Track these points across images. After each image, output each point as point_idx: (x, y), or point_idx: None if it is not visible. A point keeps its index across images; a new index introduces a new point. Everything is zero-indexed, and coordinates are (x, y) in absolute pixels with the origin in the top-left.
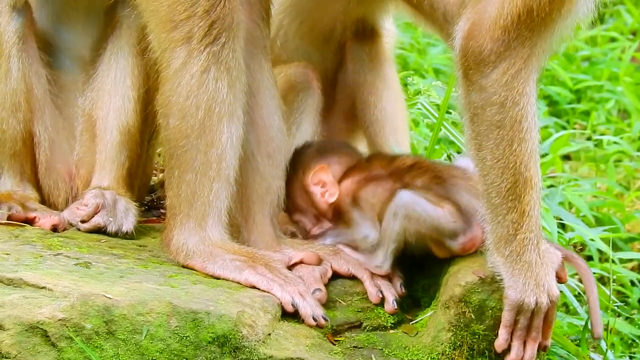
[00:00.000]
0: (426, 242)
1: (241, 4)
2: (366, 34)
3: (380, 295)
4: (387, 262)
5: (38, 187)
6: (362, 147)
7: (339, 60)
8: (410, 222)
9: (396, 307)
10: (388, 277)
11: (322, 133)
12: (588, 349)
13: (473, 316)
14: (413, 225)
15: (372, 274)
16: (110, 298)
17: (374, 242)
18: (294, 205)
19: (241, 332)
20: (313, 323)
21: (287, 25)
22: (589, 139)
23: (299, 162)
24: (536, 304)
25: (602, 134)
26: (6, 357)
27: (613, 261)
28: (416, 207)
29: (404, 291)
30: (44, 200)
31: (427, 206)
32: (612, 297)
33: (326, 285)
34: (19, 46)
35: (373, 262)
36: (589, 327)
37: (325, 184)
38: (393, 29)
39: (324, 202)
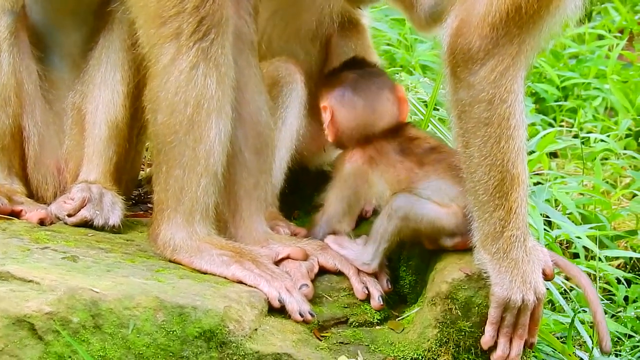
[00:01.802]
0: (421, 238)
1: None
2: (351, 29)
3: (366, 292)
4: (375, 261)
5: (26, 181)
6: None
7: (324, 57)
8: (408, 222)
9: (382, 303)
10: (374, 274)
11: (308, 128)
12: (574, 346)
13: (459, 313)
14: (411, 224)
15: (359, 270)
16: (97, 292)
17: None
18: None
19: (228, 327)
20: (299, 318)
21: (270, 31)
22: (575, 136)
23: (330, 75)
24: (523, 301)
25: (589, 132)
26: None
27: (599, 259)
28: (416, 208)
29: (390, 287)
30: (32, 195)
31: (428, 206)
32: (598, 294)
33: (313, 281)
34: (10, 41)
35: (361, 259)
36: (598, 340)
37: (325, 119)
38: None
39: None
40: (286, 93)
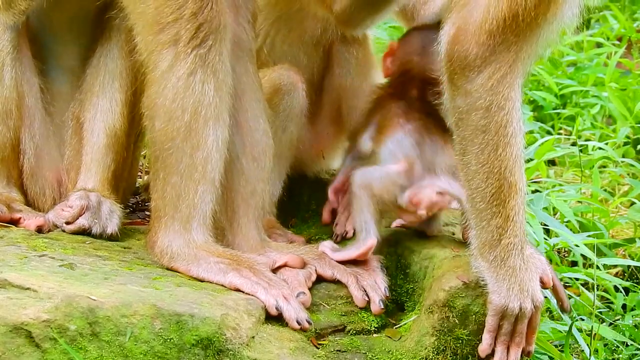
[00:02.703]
0: (388, 207)
1: (228, 6)
2: (354, 37)
3: (367, 298)
4: (372, 234)
5: (24, 192)
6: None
7: (325, 64)
8: (367, 191)
9: (382, 307)
10: (373, 280)
11: (308, 137)
12: (571, 354)
13: (457, 321)
14: (369, 192)
15: (357, 278)
16: (94, 300)
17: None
18: None
19: (225, 334)
20: (297, 326)
21: (274, 35)
22: (574, 144)
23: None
24: (520, 309)
25: (587, 140)
26: None
27: (597, 267)
28: (368, 177)
29: (388, 294)
30: (30, 206)
31: (378, 170)
32: (597, 302)
33: (310, 289)
34: (13, 55)
35: (363, 245)
36: (557, 305)
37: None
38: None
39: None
40: (287, 101)
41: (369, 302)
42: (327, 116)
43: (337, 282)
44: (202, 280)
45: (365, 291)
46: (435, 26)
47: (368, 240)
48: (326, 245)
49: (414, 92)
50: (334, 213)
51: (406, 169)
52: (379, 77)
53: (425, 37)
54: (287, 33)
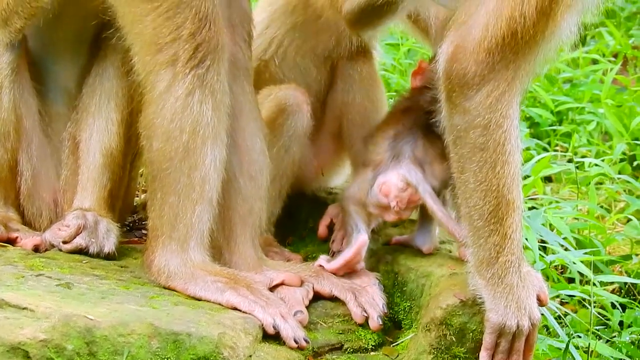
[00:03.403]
0: (370, 209)
1: (224, 26)
2: (360, 55)
3: (365, 315)
4: (362, 231)
5: (21, 212)
6: (347, 168)
7: (330, 80)
8: (352, 198)
9: (381, 323)
10: (371, 296)
11: (310, 156)
12: None
13: (454, 339)
14: (355, 196)
15: (355, 295)
16: (91, 319)
17: None
18: None
19: (222, 353)
20: (294, 345)
21: (287, 45)
22: (570, 161)
23: None
24: (517, 327)
25: (583, 156)
26: None
27: (594, 284)
28: (351, 187)
29: (385, 311)
30: (26, 225)
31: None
32: (593, 319)
33: (307, 307)
34: (11, 77)
35: (355, 244)
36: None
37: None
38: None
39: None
40: (292, 122)
41: (367, 319)
42: (328, 132)
43: (334, 299)
44: (199, 299)
45: (364, 308)
46: None
47: (359, 237)
48: (322, 258)
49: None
50: (330, 228)
51: (375, 164)
52: (382, 95)
53: None
54: (301, 43)
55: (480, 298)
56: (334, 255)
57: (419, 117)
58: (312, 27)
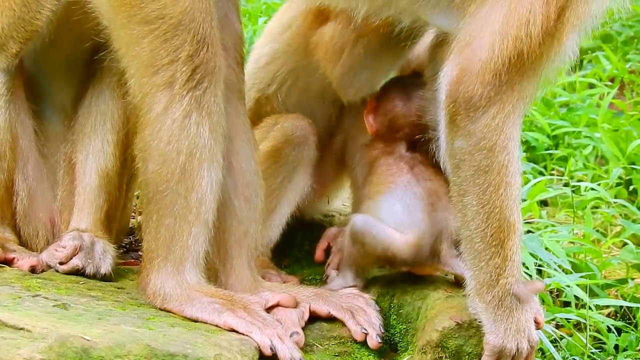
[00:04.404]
0: (380, 261)
1: (221, 49)
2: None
3: (365, 332)
4: (359, 280)
5: (17, 233)
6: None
7: (338, 115)
8: (365, 247)
9: (380, 341)
10: (368, 317)
11: (313, 186)
12: None
13: None
14: (368, 248)
15: (353, 314)
16: (88, 340)
17: None
18: None
19: None
20: None
21: (291, 84)
22: (566, 185)
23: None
24: (517, 349)
25: (579, 180)
26: None
27: (590, 307)
28: (372, 233)
29: (383, 331)
30: (23, 246)
31: (382, 232)
32: (589, 343)
33: (303, 329)
34: (7, 97)
35: (344, 284)
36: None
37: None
38: None
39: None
40: (298, 153)
41: (365, 337)
42: (332, 162)
43: (331, 320)
44: (196, 321)
45: (362, 326)
46: (412, 74)
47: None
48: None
49: (403, 142)
50: (327, 252)
51: (412, 244)
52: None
53: (407, 83)
54: (306, 86)
55: (478, 321)
56: (327, 279)
57: (411, 162)
58: (316, 72)
